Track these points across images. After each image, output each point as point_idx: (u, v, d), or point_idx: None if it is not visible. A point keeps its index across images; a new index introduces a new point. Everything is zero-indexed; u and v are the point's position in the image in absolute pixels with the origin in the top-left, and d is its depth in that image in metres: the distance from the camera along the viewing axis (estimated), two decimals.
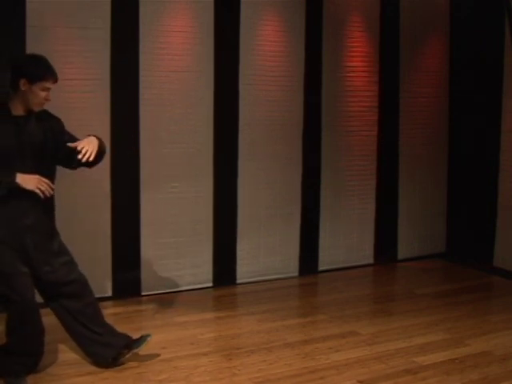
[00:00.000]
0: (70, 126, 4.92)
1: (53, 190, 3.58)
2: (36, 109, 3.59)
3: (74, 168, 3.79)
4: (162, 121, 5.25)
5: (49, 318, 4.76)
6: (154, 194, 5.26)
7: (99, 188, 5.07)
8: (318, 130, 5.96)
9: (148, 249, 5.29)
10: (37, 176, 3.48)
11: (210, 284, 5.56)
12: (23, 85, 3.46)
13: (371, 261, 6.37)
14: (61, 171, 4.97)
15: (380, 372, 3.92)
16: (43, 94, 3.52)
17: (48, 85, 3.52)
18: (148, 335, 3.98)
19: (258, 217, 5.73)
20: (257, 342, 4.37)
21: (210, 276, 5.56)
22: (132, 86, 5.13)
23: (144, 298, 5.24)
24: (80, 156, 3.58)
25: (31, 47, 4.76)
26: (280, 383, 3.78)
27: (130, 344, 3.94)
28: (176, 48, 5.23)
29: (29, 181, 3.44)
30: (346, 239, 6.22)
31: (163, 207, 5.31)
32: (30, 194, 3.48)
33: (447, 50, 6.54)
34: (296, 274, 5.93)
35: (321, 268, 6.11)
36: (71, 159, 3.68)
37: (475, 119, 6.56)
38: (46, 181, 3.51)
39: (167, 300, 5.22)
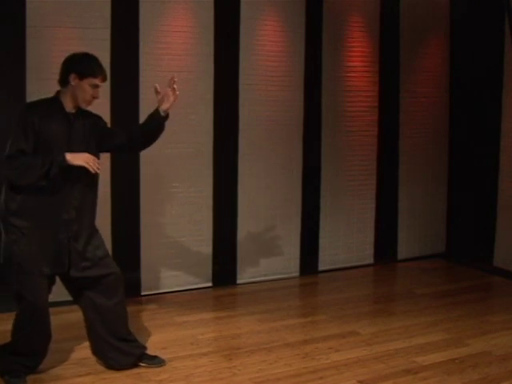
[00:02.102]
0: None
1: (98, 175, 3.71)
2: (83, 105, 3.63)
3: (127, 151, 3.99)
4: None
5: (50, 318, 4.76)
6: (154, 194, 5.26)
7: (99, 188, 5.05)
8: (318, 130, 5.96)
9: (148, 249, 5.29)
10: (85, 153, 3.54)
11: (210, 284, 5.57)
12: (73, 79, 3.52)
13: (371, 261, 6.37)
14: None
15: (380, 372, 3.92)
16: (91, 90, 3.57)
17: (97, 81, 3.57)
18: (163, 361, 3.98)
19: (258, 217, 5.73)
20: (257, 342, 4.37)
21: (210, 276, 5.57)
22: (132, 86, 5.13)
23: (144, 297, 5.24)
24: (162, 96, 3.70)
25: (31, 47, 4.77)
26: (280, 383, 3.78)
27: (143, 356, 3.95)
28: (176, 48, 5.23)
29: (78, 157, 3.50)
30: (346, 239, 6.22)
31: (163, 207, 5.31)
32: (72, 188, 3.57)
33: (447, 49, 6.55)
34: (296, 274, 5.93)
35: (321, 268, 6.11)
36: (122, 145, 3.83)
37: (475, 119, 6.56)
38: (94, 158, 3.56)
39: (167, 300, 5.22)
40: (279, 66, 5.68)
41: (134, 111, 5.15)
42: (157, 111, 3.78)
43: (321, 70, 5.92)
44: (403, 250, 6.54)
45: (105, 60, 4.93)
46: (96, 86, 3.58)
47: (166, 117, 3.80)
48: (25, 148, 3.46)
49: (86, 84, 3.54)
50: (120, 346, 3.86)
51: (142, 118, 5.14)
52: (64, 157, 3.47)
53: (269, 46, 5.62)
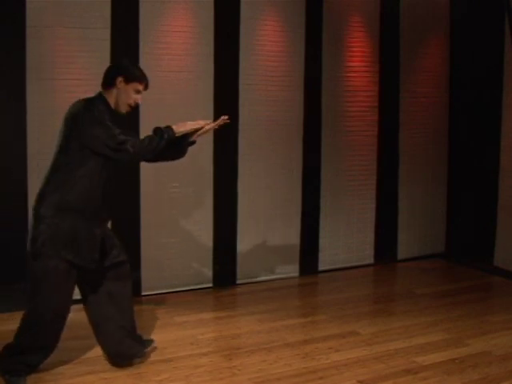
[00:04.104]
0: None
1: None
2: (124, 110, 3.76)
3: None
4: (161, 121, 5.21)
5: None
6: (154, 194, 5.26)
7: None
8: (318, 130, 5.96)
9: (148, 249, 5.29)
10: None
11: (210, 284, 5.57)
12: (119, 82, 3.67)
13: (371, 261, 6.38)
14: None
15: (380, 372, 3.92)
16: (134, 95, 3.71)
17: (141, 87, 3.73)
18: (151, 341, 4.10)
19: (258, 217, 5.73)
20: (257, 342, 4.37)
21: (210, 276, 5.57)
22: None
23: (144, 297, 5.24)
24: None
25: (31, 47, 4.77)
26: (280, 383, 3.78)
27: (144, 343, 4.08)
28: (176, 48, 5.23)
29: (184, 124, 3.79)
30: (346, 239, 6.22)
31: (163, 207, 5.31)
32: (110, 186, 3.71)
33: (447, 49, 6.55)
34: (296, 273, 5.93)
35: (321, 268, 6.11)
36: None
37: (475, 119, 6.56)
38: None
39: (167, 300, 5.22)
40: (279, 65, 5.68)
41: (134, 111, 5.14)
42: (186, 137, 3.87)
43: (321, 70, 5.92)
44: (403, 250, 6.54)
45: (105, 60, 4.96)
46: (138, 92, 3.73)
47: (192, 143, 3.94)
48: (121, 132, 3.60)
49: (131, 88, 3.69)
50: (136, 334, 3.99)
51: (142, 117, 5.17)
52: (172, 129, 3.73)
53: (269, 46, 5.62)
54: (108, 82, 3.72)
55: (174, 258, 5.39)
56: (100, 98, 3.72)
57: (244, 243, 5.69)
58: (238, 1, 5.46)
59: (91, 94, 4.93)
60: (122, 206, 5.25)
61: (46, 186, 3.64)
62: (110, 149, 3.56)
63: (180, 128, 3.77)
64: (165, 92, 5.24)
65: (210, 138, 5.43)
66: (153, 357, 4.08)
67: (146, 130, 5.17)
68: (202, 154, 5.39)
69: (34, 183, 4.88)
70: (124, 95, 3.69)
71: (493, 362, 4.09)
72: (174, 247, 5.39)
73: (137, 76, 3.70)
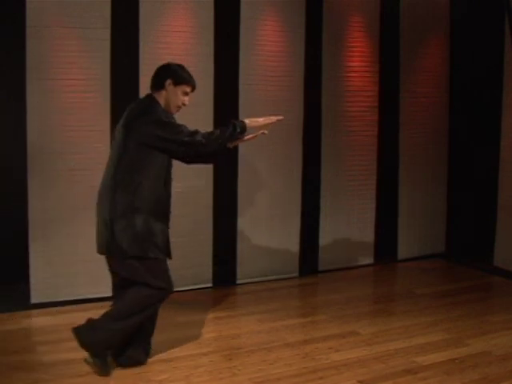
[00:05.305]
0: (70, 126, 4.97)
1: None
2: (174, 111, 3.88)
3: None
4: None
5: (48, 318, 4.78)
6: None
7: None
8: (318, 130, 5.96)
9: None
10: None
11: (210, 284, 5.57)
12: (168, 84, 3.81)
13: (371, 261, 6.38)
14: (55, 172, 4.98)
15: (380, 372, 3.92)
16: (182, 97, 3.85)
17: (188, 89, 3.87)
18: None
19: (258, 217, 5.73)
20: (257, 342, 4.37)
21: (210, 276, 5.57)
22: (132, 86, 5.13)
23: None
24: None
25: (31, 47, 4.78)
26: (280, 383, 3.78)
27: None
28: (176, 48, 5.23)
29: (256, 120, 3.92)
30: (346, 239, 6.22)
31: None
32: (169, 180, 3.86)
33: (447, 49, 6.55)
34: (296, 274, 5.93)
35: (321, 268, 6.11)
36: None
37: (475, 119, 6.56)
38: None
39: (167, 300, 5.20)
40: (279, 65, 5.68)
41: None
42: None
43: (321, 70, 5.92)
44: (403, 250, 6.54)
45: (105, 60, 4.97)
46: (186, 94, 3.87)
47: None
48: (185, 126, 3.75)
49: (179, 90, 3.83)
50: (150, 340, 4.09)
51: None
52: (245, 124, 3.84)
53: (269, 46, 5.62)
54: (158, 84, 3.84)
55: (173, 258, 5.36)
56: (153, 99, 3.82)
57: (244, 243, 5.68)
58: (237, 1, 5.46)
59: (91, 94, 4.98)
60: None
61: (113, 191, 3.71)
62: (178, 144, 3.68)
63: (252, 123, 3.88)
64: None
65: None
66: (153, 357, 4.07)
67: None
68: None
69: (34, 183, 4.89)
70: (173, 97, 3.82)
71: (493, 362, 4.09)
72: (174, 247, 5.35)
73: (185, 78, 3.84)
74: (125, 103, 5.14)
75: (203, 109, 5.35)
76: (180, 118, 5.28)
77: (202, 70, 5.33)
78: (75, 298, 5.05)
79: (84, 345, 3.76)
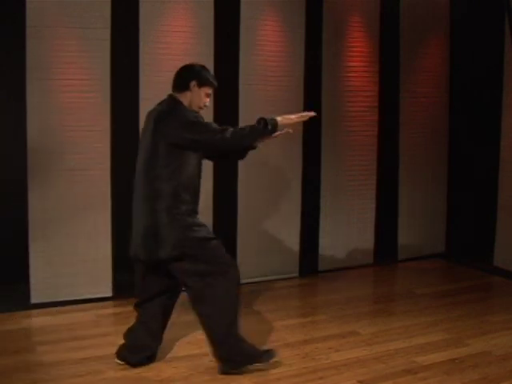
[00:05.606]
0: (70, 126, 4.97)
1: None
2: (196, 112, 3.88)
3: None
4: None
5: (48, 318, 4.78)
6: None
7: (99, 188, 5.07)
8: (318, 129, 5.96)
9: None
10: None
11: None
12: (193, 86, 3.81)
13: (371, 261, 6.37)
14: (55, 172, 4.98)
15: (380, 372, 3.91)
16: (204, 98, 3.86)
17: (210, 91, 3.90)
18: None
19: (258, 217, 5.73)
20: (257, 342, 4.36)
21: None
22: (132, 86, 5.13)
23: None
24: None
25: (31, 47, 4.78)
26: (280, 383, 3.78)
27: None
28: (176, 48, 5.23)
29: (289, 117, 3.83)
30: (346, 239, 6.22)
31: None
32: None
33: (447, 49, 6.55)
34: (296, 274, 5.93)
35: (321, 268, 6.11)
36: None
37: (475, 119, 6.56)
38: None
39: None
40: (279, 66, 5.68)
41: (134, 111, 5.15)
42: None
43: (321, 70, 5.92)
44: (403, 250, 6.54)
45: (105, 60, 4.97)
46: (208, 95, 3.88)
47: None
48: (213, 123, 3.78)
49: (203, 92, 3.84)
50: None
51: (142, 117, 5.16)
52: (277, 121, 3.77)
53: (269, 46, 5.62)
54: (181, 85, 3.84)
55: None
56: (177, 100, 3.82)
57: (244, 243, 5.68)
58: (238, 1, 5.46)
59: (91, 94, 4.98)
60: (122, 205, 5.26)
61: (152, 199, 3.73)
62: (208, 143, 3.69)
63: (284, 121, 3.81)
64: (165, 92, 5.20)
65: None
66: None
67: None
68: None
69: (34, 183, 4.89)
70: (196, 98, 3.82)
71: (493, 362, 4.09)
72: None
73: (208, 80, 3.85)
74: (125, 103, 5.19)
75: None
76: None
77: None
78: (75, 298, 5.05)
79: (241, 368, 3.86)
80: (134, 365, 3.91)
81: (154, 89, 5.18)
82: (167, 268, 3.78)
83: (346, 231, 6.21)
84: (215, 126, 3.75)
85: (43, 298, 4.95)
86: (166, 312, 4.00)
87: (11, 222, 5.17)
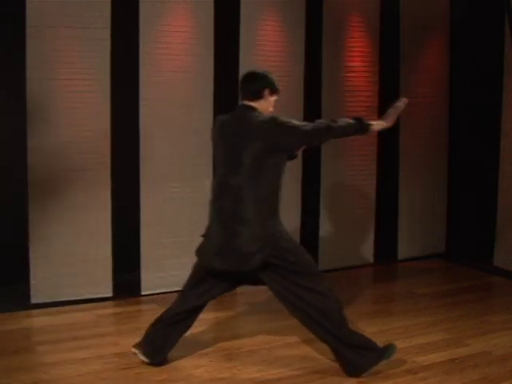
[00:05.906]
0: (70, 126, 4.97)
1: None
2: None
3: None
4: (161, 120, 5.25)
5: (48, 318, 4.78)
6: (154, 194, 5.26)
7: (99, 188, 5.07)
8: None
9: (148, 249, 5.29)
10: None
11: None
12: (266, 94, 3.85)
13: (371, 261, 6.37)
14: (55, 172, 4.98)
15: (380, 372, 3.91)
16: (273, 105, 3.92)
17: (276, 97, 3.93)
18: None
19: None
20: (257, 342, 4.37)
21: None
22: (132, 86, 5.13)
23: (144, 297, 5.24)
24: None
25: (31, 47, 4.77)
26: (280, 383, 3.78)
27: None
28: (176, 48, 5.23)
29: (381, 124, 4.11)
30: (346, 239, 6.22)
31: (163, 207, 5.30)
32: None
33: (447, 49, 6.54)
34: None
35: (321, 268, 6.08)
36: None
37: (475, 119, 6.56)
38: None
39: (167, 300, 5.19)
40: (279, 65, 5.67)
41: (134, 111, 5.16)
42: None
43: (321, 70, 5.91)
44: (403, 250, 6.54)
45: (105, 60, 4.97)
46: (274, 102, 3.92)
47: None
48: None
49: (272, 99, 3.89)
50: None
51: (142, 117, 5.17)
52: (370, 124, 3.98)
53: (269, 46, 5.62)
54: (255, 93, 3.84)
55: (173, 258, 5.38)
56: (254, 108, 3.81)
57: None
58: (237, 1, 5.45)
59: (91, 94, 4.98)
60: (122, 205, 5.26)
61: (250, 212, 3.77)
62: (305, 138, 3.80)
63: (376, 127, 4.03)
64: (165, 92, 5.24)
65: (210, 137, 5.41)
66: None
67: (146, 130, 5.20)
68: (201, 154, 5.39)
69: (34, 183, 4.89)
70: (268, 105, 3.87)
71: (493, 362, 4.09)
72: (174, 247, 5.38)
73: (277, 87, 3.90)
74: (125, 103, 5.19)
75: (203, 109, 5.34)
76: (180, 118, 5.31)
77: (202, 70, 5.34)
78: (75, 298, 5.05)
79: (371, 369, 3.89)
80: (157, 364, 3.95)
81: (154, 89, 5.20)
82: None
83: (346, 231, 6.21)
84: (310, 123, 3.82)
85: (43, 298, 4.95)
86: (189, 326, 4.07)
87: (11, 222, 5.17)
